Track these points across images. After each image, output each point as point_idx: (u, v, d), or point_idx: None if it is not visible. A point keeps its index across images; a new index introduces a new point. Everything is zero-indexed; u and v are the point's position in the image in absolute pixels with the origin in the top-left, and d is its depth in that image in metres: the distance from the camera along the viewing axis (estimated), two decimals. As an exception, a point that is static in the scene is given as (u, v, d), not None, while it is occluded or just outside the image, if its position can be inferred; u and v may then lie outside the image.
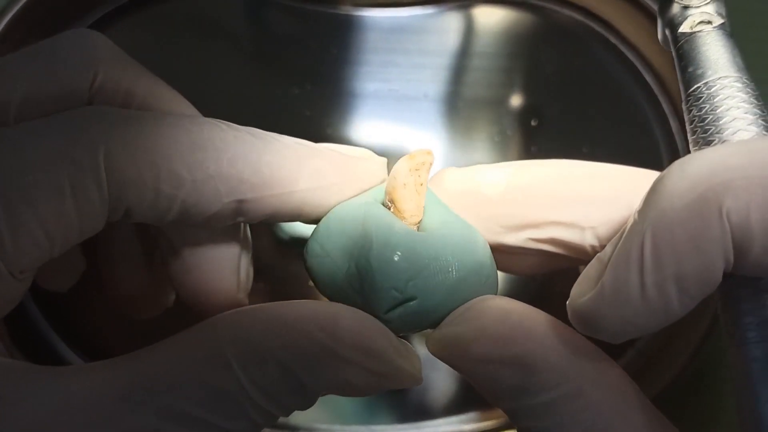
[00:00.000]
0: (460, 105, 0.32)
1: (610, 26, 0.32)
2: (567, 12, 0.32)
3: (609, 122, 0.32)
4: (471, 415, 0.30)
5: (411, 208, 0.18)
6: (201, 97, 0.31)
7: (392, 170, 0.18)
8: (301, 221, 0.19)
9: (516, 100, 0.32)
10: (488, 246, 0.19)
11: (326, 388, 0.16)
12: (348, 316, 0.16)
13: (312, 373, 0.16)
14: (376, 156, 0.20)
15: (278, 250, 0.30)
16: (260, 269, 0.29)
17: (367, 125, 0.32)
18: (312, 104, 0.31)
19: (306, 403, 0.16)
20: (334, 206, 0.19)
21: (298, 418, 0.30)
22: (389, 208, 0.18)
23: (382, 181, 0.19)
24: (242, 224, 0.20)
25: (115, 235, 0.22)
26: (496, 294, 0.19)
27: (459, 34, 0.32)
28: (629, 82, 0.32)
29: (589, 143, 0.31)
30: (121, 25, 0.31)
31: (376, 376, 0.16)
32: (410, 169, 0.18)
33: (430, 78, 0.32)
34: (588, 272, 0.16)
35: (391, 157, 0.32)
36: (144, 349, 0.16)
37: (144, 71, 0.20)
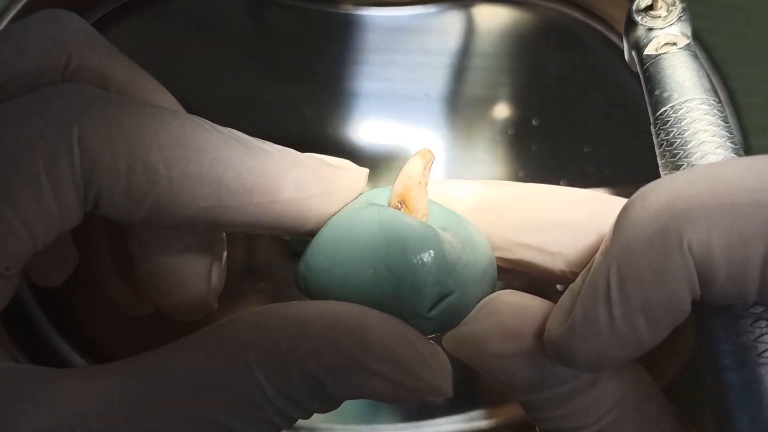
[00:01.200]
0: (461, 104, 0.32)
1: (611, 25, 0.32)
2: (568, 11, 0.32)
3: (609, 122, 0.32)
4: (471, 414, 0.30)
5: (423, 206, 0.18)
6: (201, 97, 0.31)
7: (405, 170, 0.18)
8: (276, 233, 0.18)
9: (517, 100, 0.32)
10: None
11: (351, 396, 0.16)
12: (378, 324, 0.16)
13: (338, 382, 0.15)
14: (357, 167, 0.19)
15: (280, 250, 0.30)
16: (262, 269, 0.29)
17: (368, 124, 0.32)
18: (312, 104, 0.31)
19: (329, 408, 0.16)
20: (314, 218, 0.18)
21: (298, 417, 0.30)
22: (399, 209, 0.18)
23: (361, 193, 0.19)
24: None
25: (103, 233, 0.21)
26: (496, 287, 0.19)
27: (460, 33, 0.32)
28: (630, 82, 0.32)
29: (589, 143, 0.31)
30: (121, 25, 0.31)
31: (404, 389, 0.16)
32: (424, 168, 0.18)
33: (431, 77, 0.32)
34: (562, 304, 0.16)
35: (390, 157, 0.32)
36: (162, 350, 0.16)
37: (123, 58, 0.19)
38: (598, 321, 0.14)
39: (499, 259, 0.19)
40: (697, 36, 0.30)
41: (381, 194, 0.19)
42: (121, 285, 0.22)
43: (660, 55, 0.20)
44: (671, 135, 0.18)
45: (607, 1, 0.31)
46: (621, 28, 0.32)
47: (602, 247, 0.15)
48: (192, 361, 0.15)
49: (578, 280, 0.16)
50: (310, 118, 0.31)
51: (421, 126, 0.32)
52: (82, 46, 0.18)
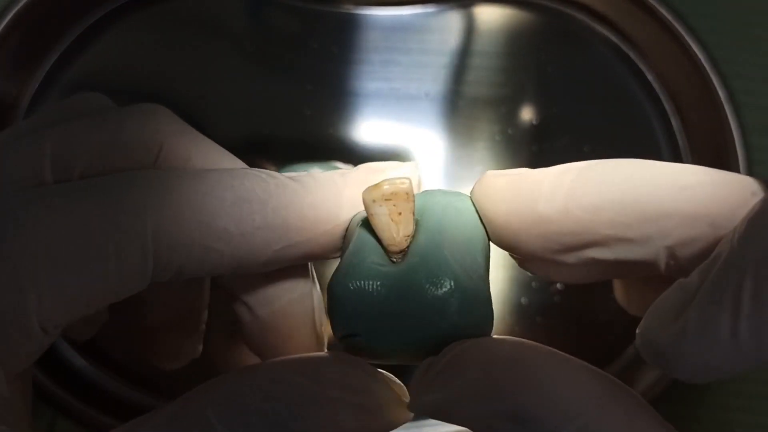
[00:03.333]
0: (461, 104, 0.32)
1: (611, 25, 0.32)
2: (568, 11, 0.32)
3: (610, 121, 0.32)
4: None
5: (386, 238, 0.17)
6: (201, 97, 0.31)
7: (398, 174, 0.18)
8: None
9: (517, 99, 0.32)
10: (477, 279, 0.17)
11: None
12: (329, 359, 0.16)
13: (297, 419, 0.15)
14: (405, 163, 0.19)
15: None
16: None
17: (369, 124, 0.32)
18: (313, 104, 0.31)
19: None
20: None
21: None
22: (381, 205, 0.17)
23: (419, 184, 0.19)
24: (311, 269, 0.20)
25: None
26: (489, 320, 0.17)
27: (460, 33, 0.32)
28: (630, 81, 0.32)
29: (590, 142, 0.31)
30: (121, 25, 0.31)
31: (365, 413, 0.16)
32: (374, 200, 0.17)
33: (432, 77, 0.32)
34: (667, 300, 0.14)
35: (390, 157, 0.32)
36: (134, 423, 0.16)
37: (198, 135, 0.20)
38: (719, 331, 0.13)
39: (592, 258, 0.16)
40: (697, 36, 0.30)
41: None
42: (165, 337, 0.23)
43: None
44: None
45: (607, 1, 0.31)
46: (622, 28, 0.32)
47: (731, 245, 0.13)
48: (156, 425, 0.15)
49: (693, 276, 0.14)
50: (310, 117, 0.31)
51: (421, 126, 0.32)
52: (171, 136, 0.19)
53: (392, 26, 0.32)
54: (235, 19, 0.31)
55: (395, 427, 0.16)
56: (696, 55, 0.30)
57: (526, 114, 0.31)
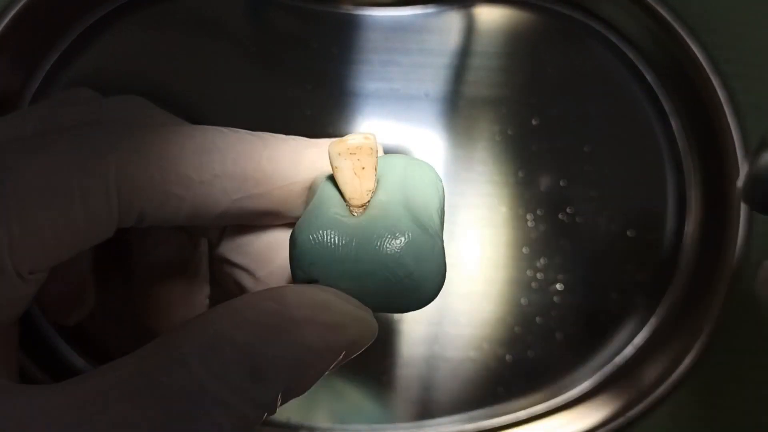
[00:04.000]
0: (461, 104, 0.32)
1: (611, 25, 0.32)
2: (568, 11, 0.32)
3: (610, 121, 0.32)
4: (471, 414, 0.30)
5: (348, 191, 0.18)
6: (201, 97, 0.31)
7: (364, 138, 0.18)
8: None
9: (517, 99, 0.32)
10: (429, 241, 0.17)
11: (287, 363, 0.15)
12: (290, 286, 0.17)
13: (268, 345, 0.15)
14: (366, 134, 0.20)
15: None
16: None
17: (368, 125, 0.32)
18: (312, 104, 0.31)
19: (271, 392, 0.15)
20: None
21: (298, 417, 0.30)
22: (345, 159, 0.18)
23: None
24: None
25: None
26: (442, 272, 0.18)
27: (460, 33, 0.32)
28: (630, 81, 0.32)
29: (590, 142, 0.31)
30: (121, 25, 0.31)
31: (332, 330, 0.16)
32: (339, 153, 0.18)
33: (432, 77, 0.32)
34: None
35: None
36: (106, 365, 0.16)
37: (175, 119, 0.21)
38: None
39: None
40: (697, 36, 0.30)
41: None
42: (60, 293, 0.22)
43: None
44: None
45: (607, 1, 0.31)
46: (621, 28, 0.32)
47: None
48: (128, 367, 0.15)
49: None
50: (310, 118, 0.31)
51: (422, 126, 0.32)
52: (150, 119, 0.21)
53: (392, 27, 0.32)
54: (235, 19, 0.31)
55: (363, 344, 0.17)
56: (696, 55, 0.30)
57: (526, 114, 0.31)
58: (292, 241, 0.17)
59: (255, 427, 0.16)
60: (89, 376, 0.15)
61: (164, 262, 0.23)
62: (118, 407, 0.14)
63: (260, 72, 0.31)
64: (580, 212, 0.31)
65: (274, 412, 0.16)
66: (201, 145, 0.18)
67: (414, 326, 0.30)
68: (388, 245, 0.17)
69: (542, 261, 0.31)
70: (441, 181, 0.20)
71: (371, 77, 0.32)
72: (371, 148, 0.18)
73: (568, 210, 0.31)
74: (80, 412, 0.14)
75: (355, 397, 0.30)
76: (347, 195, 0.18)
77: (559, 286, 0.31)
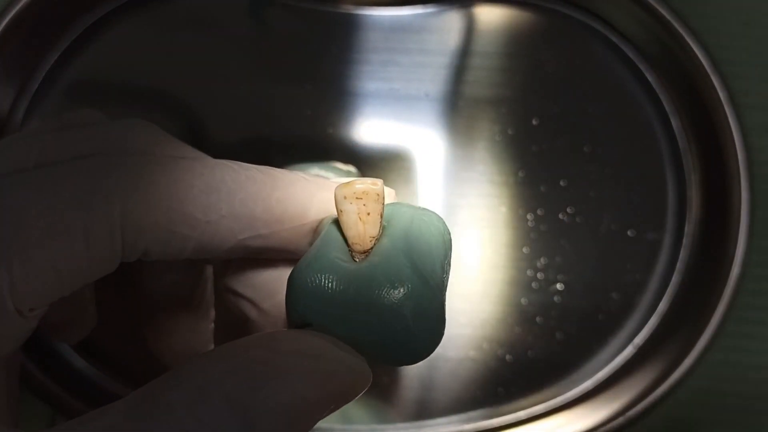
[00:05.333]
0: (461, 104, 0.32)
1: (611, 25, 0.32)
2: (568, 11, 0.32)
3: (610, 121, 0.32)
4: (471, 414, 0.30)
5: (351, 236, 0.17)
6: (201, 97, 0.31)
7: (371, 182, 0.18)
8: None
9: (517, 99, 0.32)
10: (426, 300, 0.17)
11: (279, 416, 0.15)
12: (283, 332, 0.16)
13: (258, 393, 0.15)
14: (374, 180, 0.20)
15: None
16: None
17: (368, 125, 0.32)
18: (312, 104, 0.31)
19: None
20: None
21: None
22: (351, 203, 0.18)
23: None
24: None
25: None
26: (441, 327, 0.17)
27: (460, 33, 0.32)
28: (630, 81, 0.32)
29: (590, 142, 0.31)
30: (121, 25, 0.31)
31: (326, 380, 0.15)
32: (345, 197, 0.17)
33: (431, 77, 0.32)
34: None
35: (390, 157, 0.32)
36: (96, 410, 0.15)
37: (182, 144, 0.21)
38: None
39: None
40: (697, 36, 0.30)
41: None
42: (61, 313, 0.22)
43: None
44: None
45: (607, 1, 0.31)
46: (621, 28, 0.32)
47: None
48: (114, 415, 0.15)
49: None
50: (310, 117, 0.31)
51: (421, 126, 0.32)
52: (155, 145, 0.20)
53: (392, 26, 0.32)
54: (235, 19, 0.31)
55: (357, 392, 0.16)
56: (696, 55, 0.30)
57: (526, 114, 0.31)
58: (290, 282, 0.17)
59: None
60: (79, 422, 0.15)
61: (169, 288, 0.23)
62: None
63: (260, 72, 0.31)
64: (580, 212, 0.31)
65: None
66: (209, 184, 0.18)
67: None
68: (386, 295, 0.16)
69: (542, 261, 0.31)
70: (449, 234, 0.19)
71: (371, 77, 0.32)
72: (378, 194, 0.17)
73: (568, 210, 0.31)
74: None
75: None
76: (350, 240, 0.17)
77: (559, 286, 0.31)
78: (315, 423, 0.15)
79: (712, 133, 0.30)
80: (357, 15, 0.32)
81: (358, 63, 0.32)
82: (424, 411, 0.30)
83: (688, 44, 0.30)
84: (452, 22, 0.32)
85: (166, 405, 0.14)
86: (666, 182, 0.31)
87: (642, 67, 0.32)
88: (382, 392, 0.30)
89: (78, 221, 0.16)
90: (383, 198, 0.17)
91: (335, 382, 0.16)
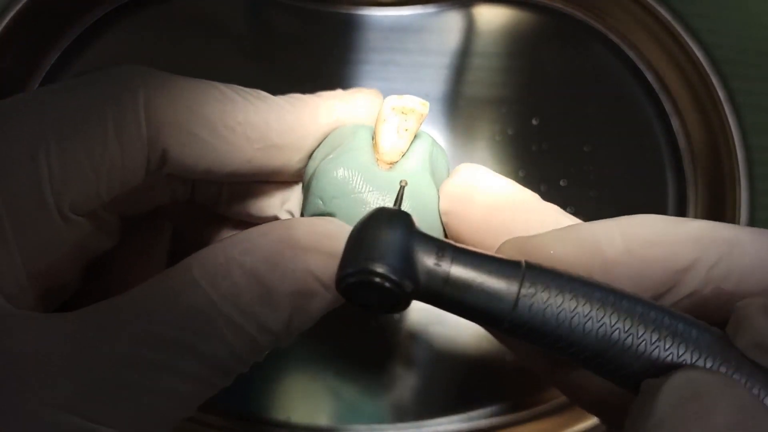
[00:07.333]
0: (461, 104, 0.32)
1: (610, 25, 0.32)
2: (568, 11, 0.32)
3: (610, 121, 0.32)
4: (471, 414, 0.30)
5: (386, 146, 0.19)
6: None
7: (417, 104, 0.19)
8: None
9: (517, 99, 0.32)
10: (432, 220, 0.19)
11: (292, 287, 0.16)
12: (303, 218, 0.17)
13: (276, 269, 0.16)
14: (369, 89, 0.22)
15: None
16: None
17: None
18: (312, 104, 0.31)
19: (278, 317, 0.16)
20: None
21: (298, 417, 0.30)
22: (394, 116, 0.19)
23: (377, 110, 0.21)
24: None
25: None
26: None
27: (460, 33, 0.32)
28: (630, 81, 0.32)
29: (589, 142, 0.31)
30: (121, 25, 0.31)
31: (337, 259, 0.16)
32: (393, 108, 0.18)
33: (432, 77, 0.32)
34: None
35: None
36: (123, 294, 0.17)
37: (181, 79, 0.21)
38: None
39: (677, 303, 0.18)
40: (697, 36, 0.30)
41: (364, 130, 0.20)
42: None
43: None
44: None
45: (607, 1, 0.31)
46: (621, 28, 0.32)
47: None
48: (145, 290, 0.16)
49: None
50: (310, 118, 0.31)
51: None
52: (154, 88, 0.20)
53: (392, 26, 0.32)
54: (235, 19, 0.31)
55: None
56: (696, 55, 0.30)
57: (526, 114, 0.31)
58: (319, 173, 0.18)
59: (263, 354, 0.16)
60: (104, 302, 0.16)
61: (137, 249, 0.23)
62: (136, 324, 0.15)
63: (260, 72, 0.31)
64: (580, 212, 0.31)
65: (282, 342, 0.17)
66: (224, 94, 0.19)
67: (414, 326, 0.30)
68: (410, 202, 0.18)
69: (542, 261, 0.31)
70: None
71: (371, 77, 0.32)
72: (422, 115, 0.19)
73: (568, 210, 0.31)
74: (98, 332, 0.15)
75: (355, 397, 0.30)
76: (382, 148, 0.19)
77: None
78: (327, 306, 0.17)
79: (711, 133, 0.30)
80: (357, 15, 0.32)
81: (358, 63, 0.32)
82: (424, 411, 0.30)
83: (689, 44, 0.30)
84: (452, 22, 0.32)
85: (191, 279, 0.16)
86: (666, 182, 0.31)
87: (642, 66, 0.32)
88: (382, 392, 0.30)
89: (109, 112, 0.17)
90: (423, 120, 0.19)
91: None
